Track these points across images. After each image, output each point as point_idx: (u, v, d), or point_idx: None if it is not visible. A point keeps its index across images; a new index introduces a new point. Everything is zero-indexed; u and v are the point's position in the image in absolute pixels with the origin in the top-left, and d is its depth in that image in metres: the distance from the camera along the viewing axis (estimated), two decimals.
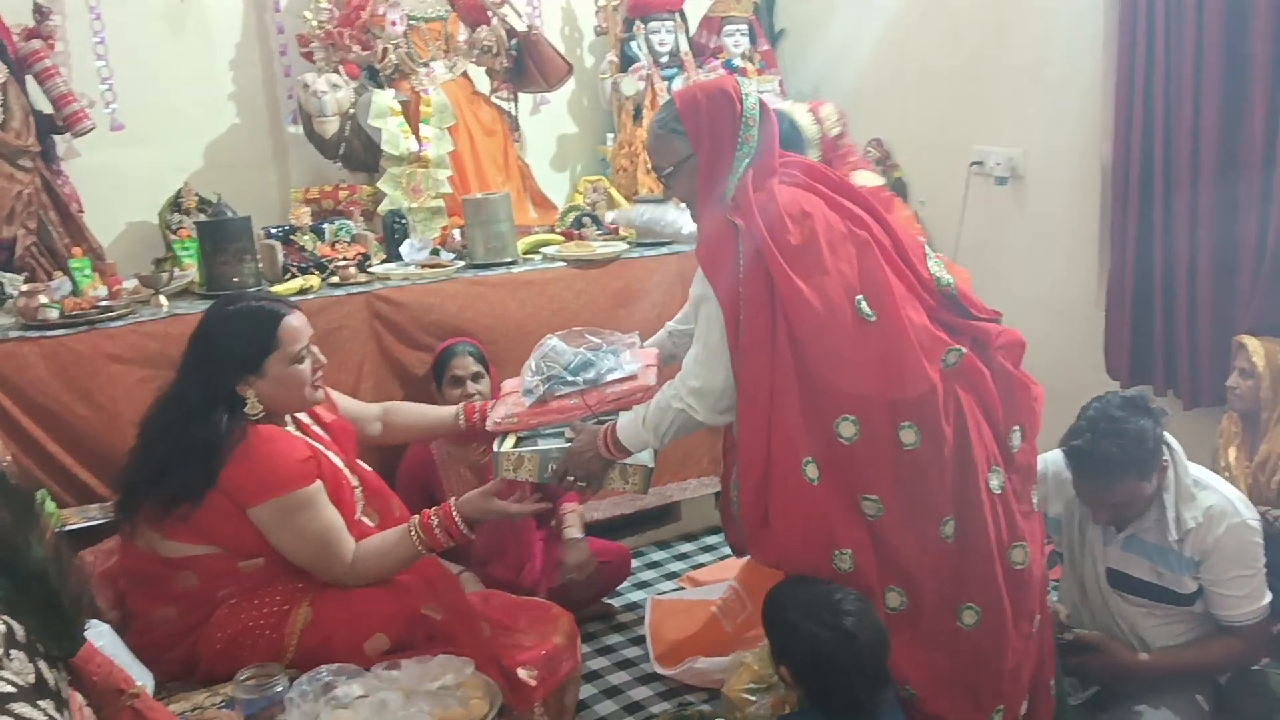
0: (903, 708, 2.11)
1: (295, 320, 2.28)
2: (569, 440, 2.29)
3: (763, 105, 2.18)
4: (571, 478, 2.27)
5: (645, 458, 2.27)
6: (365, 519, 2.37)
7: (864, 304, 2.08)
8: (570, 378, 2.38)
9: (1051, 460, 2.49)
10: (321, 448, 2.32)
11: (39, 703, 1.22)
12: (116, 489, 2.32)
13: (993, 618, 2.14)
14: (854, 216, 2.17)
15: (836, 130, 3.72)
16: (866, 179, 3.75)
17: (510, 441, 2.33)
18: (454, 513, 2.26)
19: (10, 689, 1.19)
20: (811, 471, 2.07)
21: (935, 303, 2.18)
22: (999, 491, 2.15)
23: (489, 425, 2.42)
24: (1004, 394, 2.20)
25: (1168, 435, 2.34)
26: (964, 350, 2.14)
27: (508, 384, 2.62)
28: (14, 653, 1.33)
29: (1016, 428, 2.22)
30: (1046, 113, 3.55)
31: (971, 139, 3.82)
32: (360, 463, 2.47)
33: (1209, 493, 2.35)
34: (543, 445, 2.29)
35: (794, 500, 2.09)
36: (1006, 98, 3.69)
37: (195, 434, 2.15)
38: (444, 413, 2.76)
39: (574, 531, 3.14)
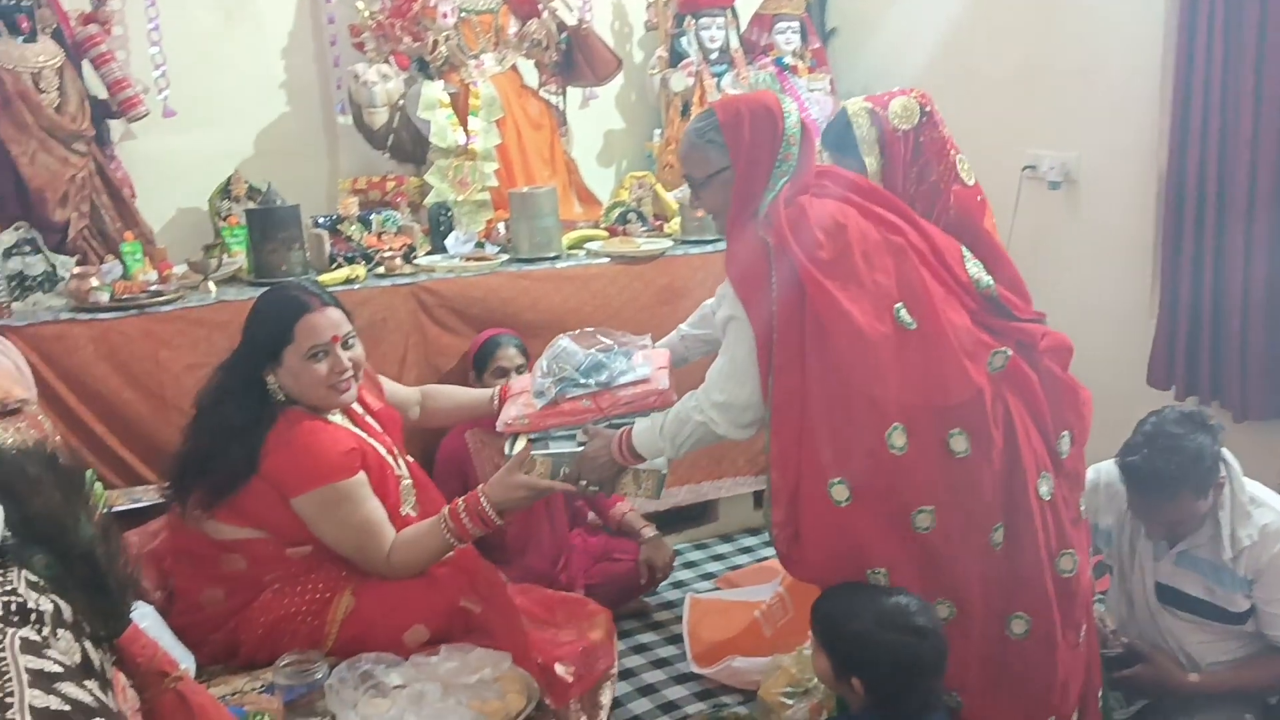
0: (950, 716, 2.08)
1: (318, 318, 2.22)
2: (581, 444, 2.26)
3: (804, 125, 2.15)
4: (584, 481, 2.25)
5: (659, 463, 2.25)
6: (411, 512, 2.36)
7: (903, 312, 2.05)
8: (582, 380, 2.34)
9: (1105, 471, 2.45)
10: (368, 437, 2.32)
11: (85, 683, 1.22)
12: (169, 468, 2.32)
13: (1042, 627, 2.10)
14: (889, 224, 2.13)
15: (907, 126, 3.62)
16: (964, 168, 3.62)
17: (521, 443, 2.30)
18: (482, 499, 2.22)
19: (57, 668, 1.19)
20: (839, 493, 2.04)
21: (976, 305, 2.15)
22: (1048, 498, 2.11)
23: (499, 426, 2.38)
24: (1052, 398, 2.16)
25: (1225, 451, 2.29)
26: (1010, 353, 2.10)
27: (517, 383, 2.61)
28: (61, 632, 1.34)
29: (1065, 433, 2.18)
30: (1102, 117, 3.49)
31: (1025, 142, 3.76)
32: (407, 456, 2.47)
33: (1265, 510, 2.29)
34: (555, 448, 2.26)
35: (823, 521, 2.06)
36: (1061, 101, 3.63)
37: (230, 417, 2.18)
38: (479, 394, 2.76)
39: (649, 530, 3.15)
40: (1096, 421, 2.27)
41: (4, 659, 1.15)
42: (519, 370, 3.02)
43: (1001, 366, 2.09)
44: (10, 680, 1.11)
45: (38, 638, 1.25)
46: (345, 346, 2.25)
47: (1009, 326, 2.16)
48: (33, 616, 1.29)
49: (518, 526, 2.98)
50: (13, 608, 1.27)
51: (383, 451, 2.33)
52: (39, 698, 1.11)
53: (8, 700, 1.08)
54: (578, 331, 2.50)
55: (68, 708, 1.12)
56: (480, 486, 2.25)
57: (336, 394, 2.24)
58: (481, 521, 2.21)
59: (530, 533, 3.05)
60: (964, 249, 2.21)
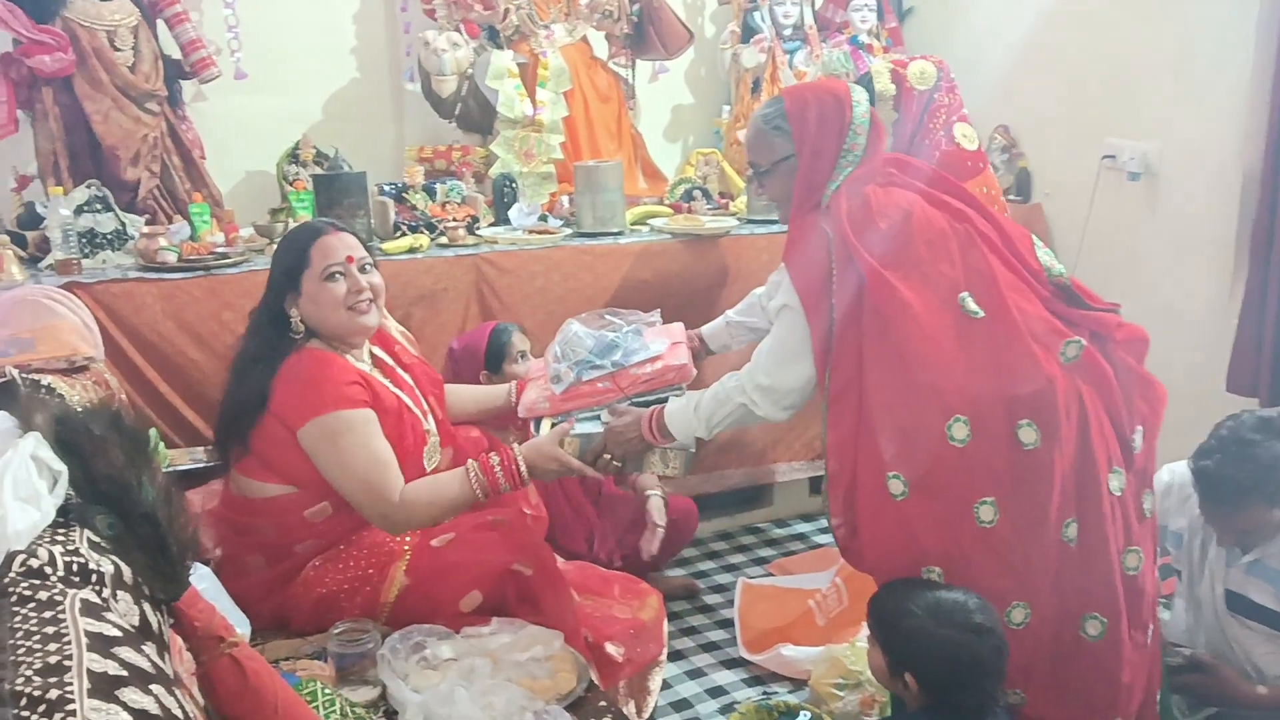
0: (1010, 712, 2.03)
1: (332, 239, 2.24)
2: (606, 422, 2.26)
3: (873, 115, 2.12)
4: (609, 456, 2.23)
5: (687, 440, 2.23)
6: (441, 467, 2.35)
7: (970, 301, 2.00)
8: (598, 361, 2.35)
9: (1178, 473, 2.38)
10: (393, 386, 2.30)
11: (143, 647, 1.23)
12: (214, 430, 2.37)
13: (1113, 627, 2.05)
14: (955, 211, 2.10)
15: (923, 86, 3.54)
16: (963, 133, 3.56)
17: (546, 426, 2.30)
18: (518, 457, 2.18)
19: (116, 632, 1.20)
20: (896, 486, 2.00)
21: (1049, 293, 2.10)
22: (1119, 494, 2.06)
23: (521, 411, 2.37)
24: (1127, 391, 2.10)
25: None
26: (1083, 342, 2.04)
27: (532, 369, 2.58)
28: (121, 594, 1.34)
29: (1139, 428, 2.11)
30: (1188, 109, 3.37)
31: (1105, 131, 3.65)
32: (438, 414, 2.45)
33: None
34: (580, 429, 2.26)
35: (880, 514, 2.04)
36: (1145, 89, 3.51)
37: (249, 350, 2.24)
38: (495, 391, 2.72)
39: (657, 518, 3.07)
40: (1169, 421, 2.20)
41: (64, 621, 1.16)
42: (532, 351, 2.97)
43: (1075, 356, 2.03)
44: (70, 643, 1.12)
45: (98, 600, 1.26)
46: (362, 271, 2.25)
47: (1083, 316, 2.10)
48: (93, 578, 1.30)
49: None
50: (74, 568, 1.28)
51: (409, 402, 2.31)
52: (97, 662, 1.11)
53: (66, 664, 1.08)
54: (585, 315, 2.51)
55: (125, 673, 1.12)
56: (516, 445, 2.23)
57: (356, 315, 2.23)
58: (513, 477, 2.17)
59: (553, 515, 2.99)
60: (1035, 237, 2.16)
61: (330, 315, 2.22)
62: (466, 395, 2.70)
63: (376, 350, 2.39)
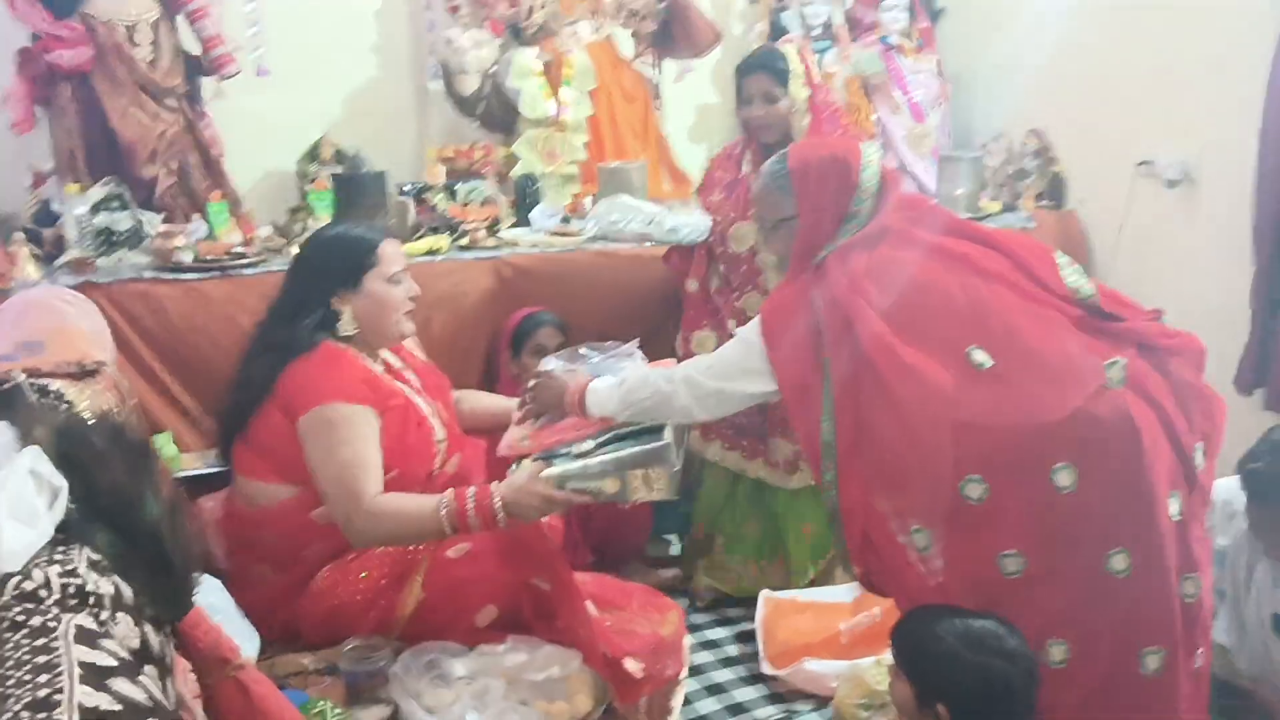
0: None
1: (394, 246, 2.33)
2: (580, 455, 2.17)
3: (884, 175, 2.08)
4: (583, 487, 2.12)
5: (671, 459, 2.13)
6: (450, 470, 2.33)
7: (977, 353, 1.92)
8: None
9: (1222, 488, 2.29)
10: (404, 387, 2.30)
11: (140, 676, 1.18)
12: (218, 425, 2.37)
13: (1171, 659, 1.96)
14: (959, 258, 2.01)
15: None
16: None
17: (527, 463, 2.18)
18: (495, 496, 2.06)
19: (111, 661, 1.14)
20: (921, 540, 1.95)
21: (1081, 313, 2.00)
22: (1178, 519, 1.96)
23: (502, 450, 2.28)
24: (1185, 406, 2.00)
25: None
26: (1126, 362, 1.94)
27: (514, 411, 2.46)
28: (120, 615, 1.29)
29: (1199, 445, 2.01)
30: (1227, 114, 3.27)
31: (1141, 136, 3.56)
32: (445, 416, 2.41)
33: None
34: (560, 465, 2.14)
35: (904, 570, 1.98)
36: (1184, 94, 3.41)
37: (275, 336, 2.22)
38: (507, 404, 2.64)
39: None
40: None
41: (58, 650, 1.10)
42: (558, 349, 2.90)
43: (1121, 380, 1.93)
44: (61, 674, 1.07)
45: (95, 625, 1.21)
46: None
47: (1125, 329, 2.01)
48: (91, 600, 1.24)
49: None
50: (70, 590, 1.23)
51: (421, 404, 2.30)
52: (89, 695, 1.05)
53: (56, 698, 1.02)
54: (564, 352, 2.49)
55: (119, 707, 1.07)
56: (494, 484, 2.11)
57: (408, 320, 2.32)
58: (485, 518, 2.05)
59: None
60: (1059, 257, 2.07)
61: (389, 316, 2.28)
62: (483, 403, 2.65)
63: (385, 354, 2.37)
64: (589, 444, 2.18)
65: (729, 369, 2.09)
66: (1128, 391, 1.93)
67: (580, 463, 2.15)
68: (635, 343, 2.49)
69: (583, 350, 2.45)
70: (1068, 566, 1.93)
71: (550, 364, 2.41)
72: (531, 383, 2.32)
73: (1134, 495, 1.91)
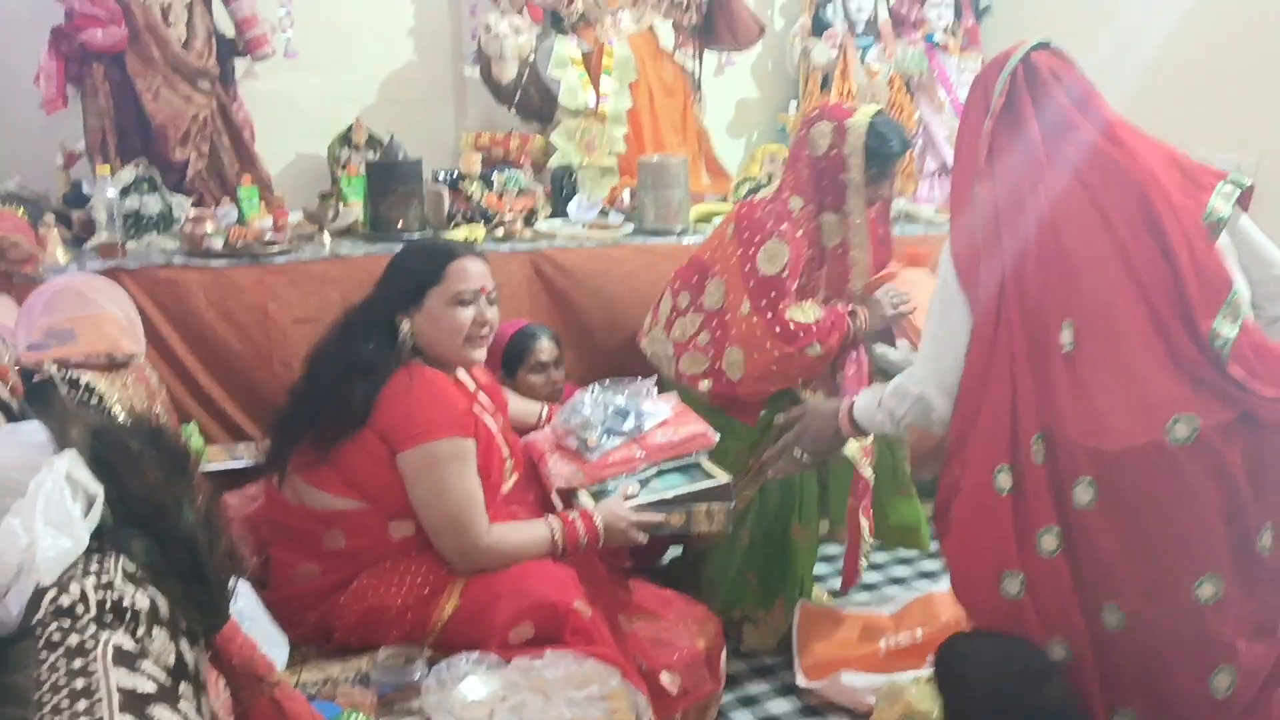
0: None
1: (470, 263, 2.16)
2: (643, 481, 2.29)
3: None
4: (673, 519, 2.23)
5: (731, 495, 2.29)
6: (510, 490, 2.25)
7: (1068, 331, 1.83)
8: (620, 429, 2.36)
9: None
10: (479, 410, 2.20)
11: (178, 701, 1.11)
12: (271, 430, 2.23)
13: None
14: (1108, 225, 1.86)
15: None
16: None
17: (584, 496, 2.27)
18: (595, 515, 2.17)
19: (150, 687, 1.08)
20: (1004, 480, 1.90)
21: (1196, 359, 1.78)
22: (1214, 601, 1.81)
23: (558, 484, 2.30)
24: (1260, 484, 1.80)
25: None
26: (1199, 424, 1.75)
27: (539, 442, 2.43)
28: (156, 630, 1.23)
29: (1268, 525, 1.83)
30: None
31: (1194, 141, 3.44)
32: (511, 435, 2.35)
33: None
34: (642, 498, 2.26)
35: (978, 504, 1.95)
36: (1238, 99, 3.32)
37: (355, 356, 2.08)
38: (530, 408, 2.63)
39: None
40: None
41: (95, 674, 1.04)
42: (556, 365, 2.81)
43: (1186, 438, 1.75)
44: (100, 702, 1.00)
45: (132, 644, 1.14)
46: (490, 303, 2.18)
47: (1239, 396, 1.77)
48: (128, 615, 1.18)
49: None
50: (106, 605, 1.16)
51: (493, 427, 2.21)
52: None
53: None
54: (591, 387, 2.46)
55: None
56: (594, 506, 2.20)
57: (472, 348, 2.16)
58: (593, 535, 2.15)
59: None
60: (1238, 289, 1.81)
61: (447, 340, 2.14)
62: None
63: (461, 373, 2.27)
64: (641, 477, 2.30)
65: (935, 329, 2.03)
66: (1187, 456, 1.76)
67: (656, 495, 2.25)
68: (653, 379, 2.50)
69: (602, 385, 2.44)
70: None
71: (583, 398, 2.39)
72: (781, 417, 2.34)
73: (1166, 563, 1.83)
